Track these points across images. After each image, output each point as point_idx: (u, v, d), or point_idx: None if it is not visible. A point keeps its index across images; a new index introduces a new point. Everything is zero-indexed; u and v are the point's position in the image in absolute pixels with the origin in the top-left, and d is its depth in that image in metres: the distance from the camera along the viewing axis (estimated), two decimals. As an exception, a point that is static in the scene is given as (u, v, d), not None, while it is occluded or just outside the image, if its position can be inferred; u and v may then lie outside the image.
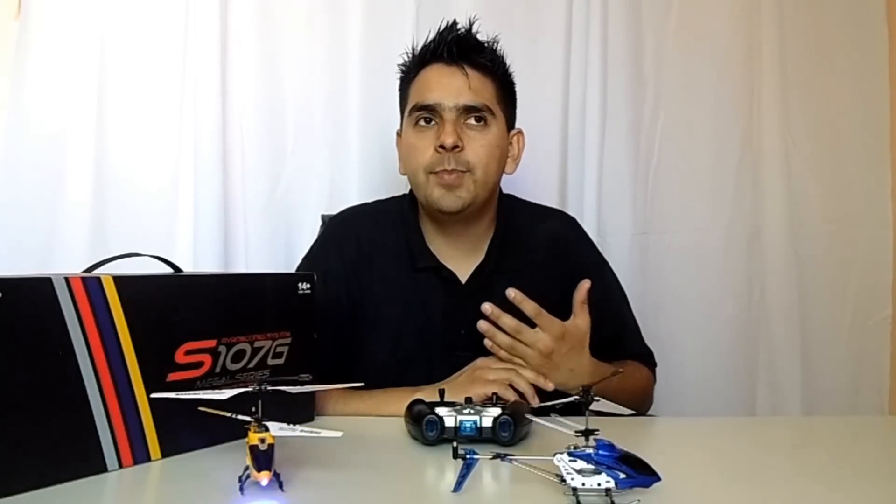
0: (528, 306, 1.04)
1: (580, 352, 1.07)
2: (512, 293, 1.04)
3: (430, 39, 1.15)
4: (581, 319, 1.07)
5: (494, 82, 1.14)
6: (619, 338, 1.21)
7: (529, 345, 1.04)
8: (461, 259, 1.17)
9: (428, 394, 0.95)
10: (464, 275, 1.16)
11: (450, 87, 1.11)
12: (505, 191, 1.26)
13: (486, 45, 1.15)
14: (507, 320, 1.03)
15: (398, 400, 0.97)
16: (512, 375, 1.01)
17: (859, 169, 1.66)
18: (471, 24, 1.16)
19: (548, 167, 1.60)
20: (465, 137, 1.10)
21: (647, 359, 1.24)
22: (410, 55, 1.18)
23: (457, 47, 1.12)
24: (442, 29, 1.14)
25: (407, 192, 1.22)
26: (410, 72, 1.17)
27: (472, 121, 1.11)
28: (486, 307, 1.04)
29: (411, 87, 1.16)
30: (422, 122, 1.12)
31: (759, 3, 1.62)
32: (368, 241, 1.19)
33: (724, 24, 1.64)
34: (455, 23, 1.15)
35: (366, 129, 1.52)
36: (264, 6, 1.52)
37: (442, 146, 1.08)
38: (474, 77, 1.11)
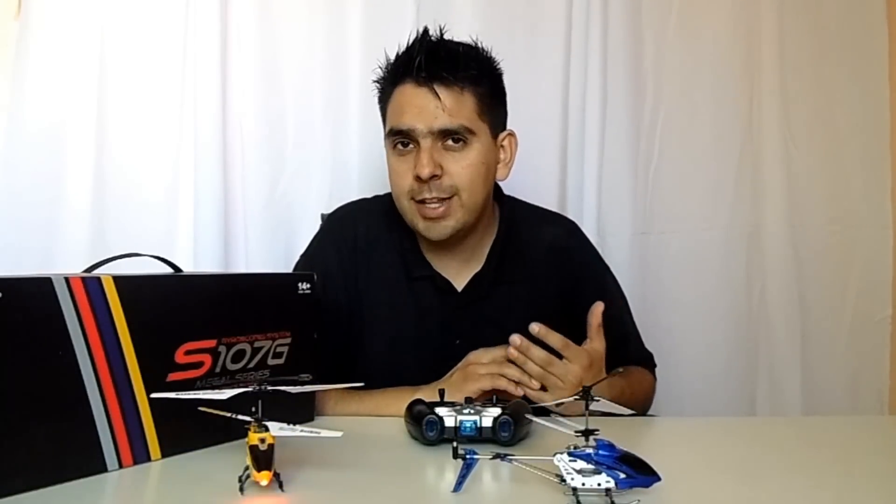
0: (555, 339, 1.02)
1: (600, 375, 1.05)
2: (536, 328, 1.02)
3: (400, 53, 1.09)
4: (598, 343, 1.06)
5: (473, 94, 1.07)
6: (622, 345, 1.19)
7: (560, 377, 1.01)
8: (458, 267, 1.15)
9: (427, 393, 0.95)
10: (460, 283, 1.15)
11: (422, 111, 1.05)
12: (505, 191, 1.26)
13: (459, 52, 1.07)
14: (537, 352, 1.01)
15: (397, 400, 0.97)
16: (503, 367, 1.01)
17: (859, 169, 1.66)
18: (442, 33, 1.09)
19: (548, 167, 1.60)
20: (445, 161, 1.06)
21: (648, 362, 1.24)
22: (385, 68, 1.12)
23: (426, 65, 1.04)
24: (411, 42, 1.08)
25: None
26: (385, 88, 1.12)
27: (450, 142, 1.06)
28: (515, 339, 1.01)
29: (387, 106, 1.11)
30: (400, 146, 1.09)
31: (759, 3, 1.62)
32: (366, 240, 1.17)
33: (724, 24, 1.64)
34: (426, 31, 1.08)
35: (366, 129, 1.52)
36: (264, 6, 1.52)
37: (419, 177, 1.05)
38: (448, 97, 1.04)
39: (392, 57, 1.11)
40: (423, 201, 1.07)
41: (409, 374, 1.09)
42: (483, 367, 1.02)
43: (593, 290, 1.19)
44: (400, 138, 1.08)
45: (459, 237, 1.12)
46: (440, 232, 1.08)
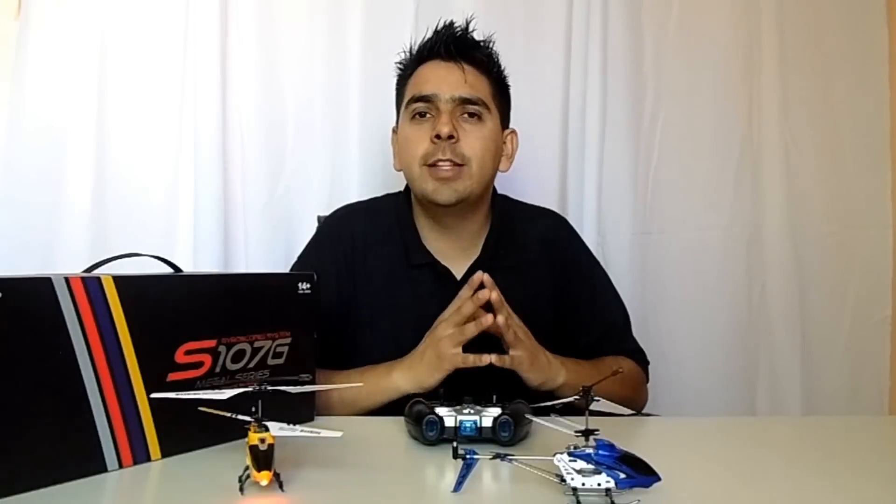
0: (494, 295, 1.02)
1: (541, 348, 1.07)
2: (485, 277, 1.02)
3: (427, 38, 1.17)
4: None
5: (490, 80, 1.16)
6: (607, 336, 1.21)
7: (517, 325, 1.04)
8: (456, 255, 1.18)
9: (401, 371, 1.03)
10: (459, 271, 1.17)
11: (446, 79, 1.13)
12: (506, 190, 1.27)
13: (482, 43, 1.18)
14: (495, 295, 1.02)
15: (373, 375, 1.04)
16: (466, 332, 1.01)
17: (859, 169, 1.66)
18: (468, 24, 1.17)
19: (548, 167, 1.60)
20: (461, 130, 1.11)
21: (636, 355, 1.23)
22: (408, 54, 1.20)
23: (454, 44, 1.14)
24: (440, 28, 1.16)
25: (403, 189, 1.23)
26: (408, 69, 1.19)
27: (467, 114, 1.12)
28: (484, 277, 1.02)
29: (408, 82, 1.18)
30: (418, 115, 1.14)
31: (758, 3, 1.62)
32: (363, 238, 1.19)
33: (724, 24, 1.64)
34: (452, 22, 1.17)
35: (366, 129, 1.52)
36: (264, 6, 1.52)
37: (438, 136, 1.09)
38: (470, 72, 1.13)
39: (413, 46, 1.19)
40: (435, 164, 1.10)
41: None
42: (448, 339, 1.02)
43: (580, 280, 1.23)
44: (421, 105, 1.13)
45: (460, 214, 1.16)
46: (448, 195, 1.11)
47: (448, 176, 1.10)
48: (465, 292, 1.04)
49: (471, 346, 1.02)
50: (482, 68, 1.15)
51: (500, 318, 1.00)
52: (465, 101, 1.12)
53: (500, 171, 1.20)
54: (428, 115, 1.13)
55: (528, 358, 1.02)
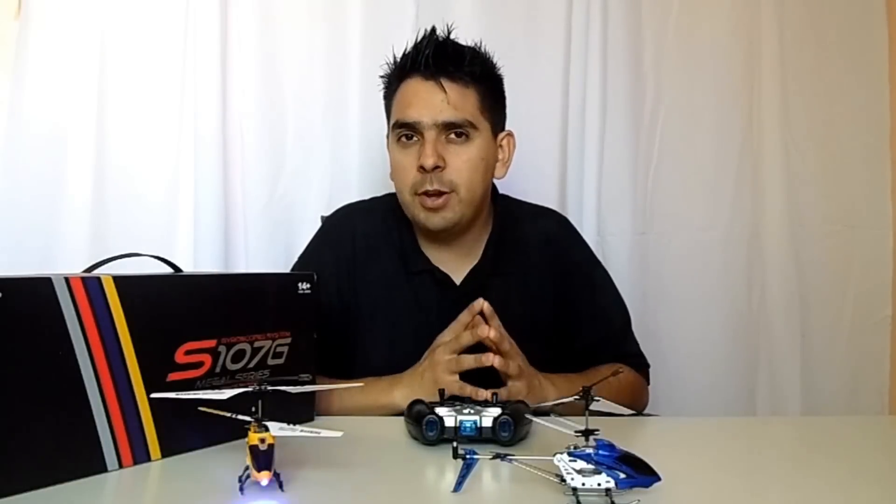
0: (493, 333, 1.00)
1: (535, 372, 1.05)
2: (484, 307, 1.01)
3: (408, 49, 1.13)
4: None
5: (476, 91, 1.11)
6: (606, 339, 1.20)
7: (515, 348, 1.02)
8: (456, 261, 1.17)
9: (403, 388, 1.01)
10: (458, 276, 1.16)
11: (428, 103, 1.09)
12: (505, 191, 1.26)
13: (465, 50, 1.12)
14: (493, 333, 1.00)
15: (375, 390, 1.03)
16: (463, 364, 0.99)
17: (859, 169, 1.66)
18: (449, 32, 1.13)
19: (548, 167, 1.60)
20: (447, 154, 1.09)
21: (634, 359, 1.22)
22: (392, 65, 1.16)
23: (434, 60, 1.09)
24: (419, 39, 1.12)
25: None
26: (392, 84, 1.16)
27: (453, 135, 1.10)
28: (484, 306, 1.01)
29: (393, 100, 1.15)
30: (404, 139, 1.12)
31: (759, 3, 1.62)
32: (364, 241, 1.19)
33: (724, 24, 1.64)
34: (434, 30, 1.12)
35: (366, 129, 1.52)
36: (264, 6, 1.52)
37: (423, 167, 1.08)
38: (453, 90, 1.09)
39: (397, 54, 1.15)
40: (424, 193, 1.09)
41: (410, 367, 1.08)
42: (446, 365, 1.00)
43: (580, 282, 1.22)
44: (405, 131, 1.11)
45: (458, 231, 1.15)
46: (439, 223, 1.11)
47: (436, 206, 1.09)
48: (464, 317, 1.03)
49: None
50: (466, 82, 1.10)
51: (498, 361, 0.98)
52: (450, 126, 1.09)
53: (495, 178, 1.19)
54: (414, 138, 1.11)
55: (525, 388, 1.01)
